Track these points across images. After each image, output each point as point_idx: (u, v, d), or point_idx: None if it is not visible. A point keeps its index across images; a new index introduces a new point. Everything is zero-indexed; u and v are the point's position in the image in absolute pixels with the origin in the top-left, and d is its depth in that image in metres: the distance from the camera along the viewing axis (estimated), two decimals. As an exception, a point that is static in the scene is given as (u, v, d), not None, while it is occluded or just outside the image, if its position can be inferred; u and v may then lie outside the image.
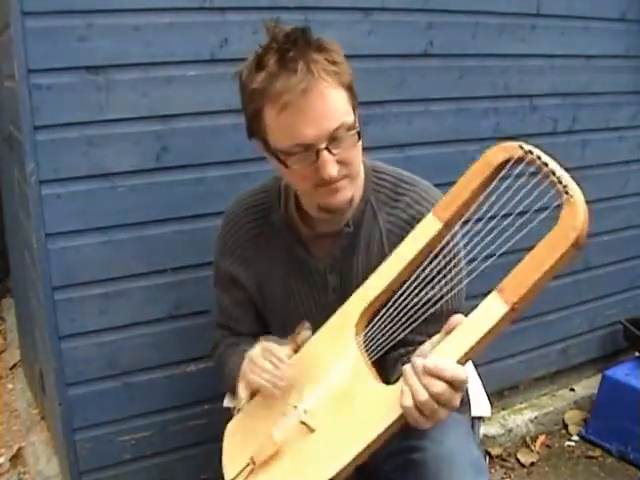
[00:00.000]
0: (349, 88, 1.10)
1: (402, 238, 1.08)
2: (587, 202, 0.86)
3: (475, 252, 0.99)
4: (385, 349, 1.03)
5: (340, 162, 1.08)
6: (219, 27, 1.60)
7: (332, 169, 1.07)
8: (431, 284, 1.08)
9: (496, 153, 0.98)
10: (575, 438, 2.36)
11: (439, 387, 0.89)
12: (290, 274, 1.27)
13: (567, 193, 0.86)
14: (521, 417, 2.36)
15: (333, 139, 1.06)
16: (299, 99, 1.03)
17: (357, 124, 1.11)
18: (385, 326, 1.02)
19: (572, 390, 2.51)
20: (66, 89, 1.48)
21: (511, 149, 0.96)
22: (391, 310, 1.02)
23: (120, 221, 1.59)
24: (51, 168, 1.50)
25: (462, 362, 0.91)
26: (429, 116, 1.94)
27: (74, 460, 1.66)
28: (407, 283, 1.04)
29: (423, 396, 0.89)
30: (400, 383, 0.94)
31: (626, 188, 2.45)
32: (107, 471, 1.70)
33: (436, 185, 1.26)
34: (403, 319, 1.01)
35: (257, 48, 1.08)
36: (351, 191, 1.14)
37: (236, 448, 1.12)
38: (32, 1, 1.41)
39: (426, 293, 1.06)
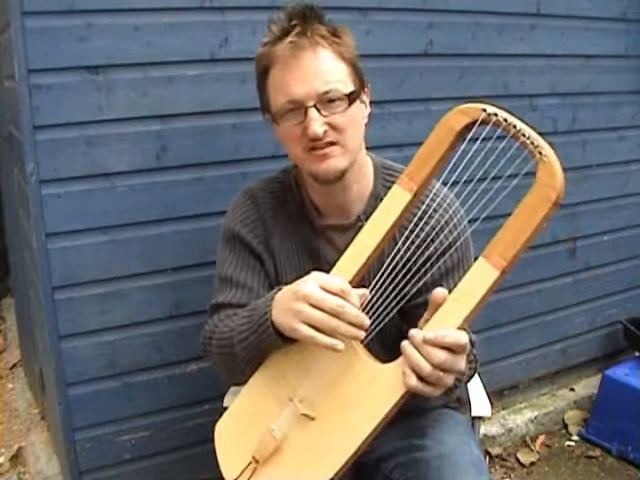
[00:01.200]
0: (352, 65, 1.13)
1: (412, 231, 1.08)
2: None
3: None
4: (376, 329, 1.00)
5: (330, 126, 1.10)
6: (219, 27, 1.60)
7: (317, 127, 1.08)
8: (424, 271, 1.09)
9: (457, 116, 0.94)
10: (575, 438, 2.36)
11: (441, 356, 0.88)
12: (304, 263, 1.26)
13: (540, 153, 0.86)
14: (521, 417, 2.36)
15: (323, 101, 1.09)
16: (289, 56, 1.09)
17: (357, 97, 1.12)
18: (374, 305, 1.01)
19: (572, 390, 2.52)
20: (66, 89, 1.48)
21: (473, 112, 0.93)
22: (381, 293, 1.01)
23: (120, 221, 1.59)
24: (51, 168, 1.50)
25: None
26: (429, 116, 1.93)
27: (74, 460, 1.66)
28: (399, 274, 1.02)
29: (426, 368, 0.88)
30: (400, 360, 0.93)
31: (626, 188, 2.44)
32: (107, 471, 1.70)
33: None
34: (389, 301, 1.00)
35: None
36: (344, 162, 1.13)
37: (232, 446, 1.10)
38: (32, 1, 1.42)
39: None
